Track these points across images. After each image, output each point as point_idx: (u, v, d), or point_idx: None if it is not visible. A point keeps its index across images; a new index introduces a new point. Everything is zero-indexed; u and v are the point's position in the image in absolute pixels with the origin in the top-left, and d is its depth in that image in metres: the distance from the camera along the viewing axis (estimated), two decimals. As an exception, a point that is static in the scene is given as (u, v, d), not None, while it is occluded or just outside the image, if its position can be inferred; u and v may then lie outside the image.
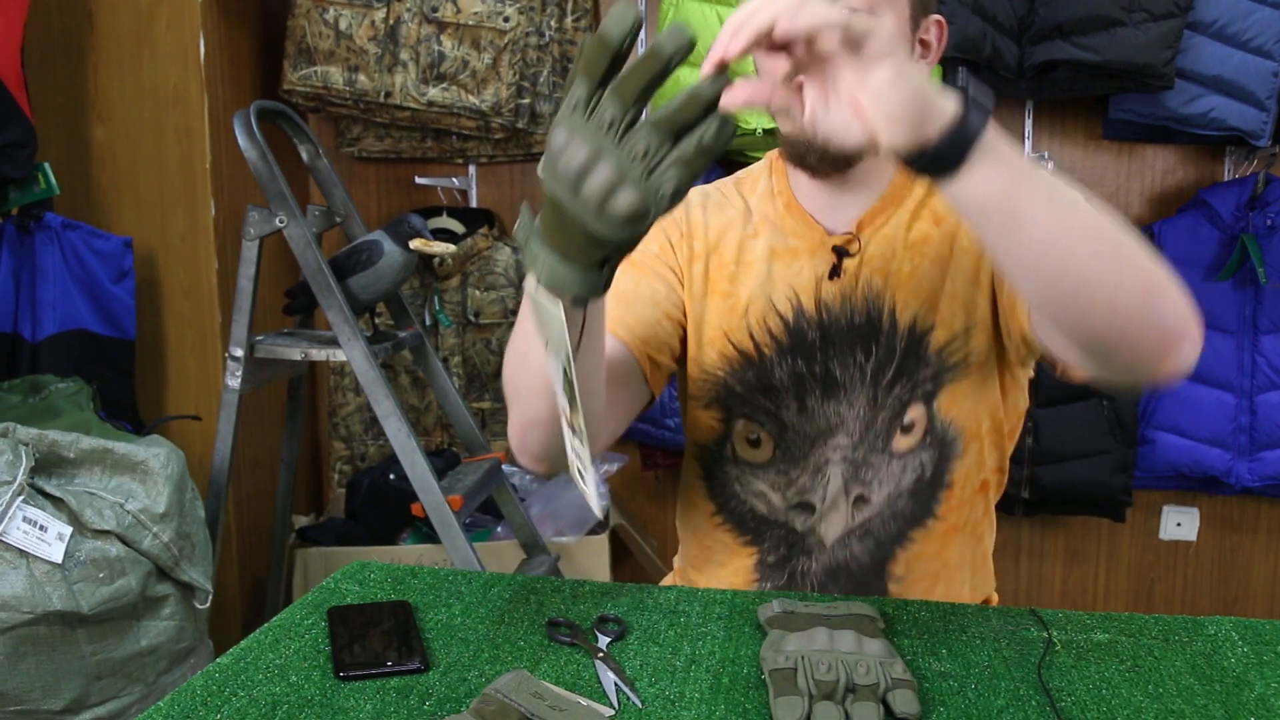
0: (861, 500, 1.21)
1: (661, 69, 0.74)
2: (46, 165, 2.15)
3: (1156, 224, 2.55)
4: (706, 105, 0.75)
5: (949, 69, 2.30)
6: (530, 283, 0.85)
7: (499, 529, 2.56)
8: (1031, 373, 1.26)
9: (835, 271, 1.19)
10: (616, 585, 1.14)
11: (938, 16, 1.16)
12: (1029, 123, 2.66)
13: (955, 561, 1.25)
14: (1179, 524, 2.83)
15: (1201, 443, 2.54)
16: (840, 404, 1.19)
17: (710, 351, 1.23)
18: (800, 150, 1.16)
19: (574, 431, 0.88)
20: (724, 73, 0.77)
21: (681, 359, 1.27)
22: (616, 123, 0.75)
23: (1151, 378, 0.90)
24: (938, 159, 0.78)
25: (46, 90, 2.35)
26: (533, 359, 0.96)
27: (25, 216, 2.18)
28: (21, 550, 1.55)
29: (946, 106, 0.78)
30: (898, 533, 1.22)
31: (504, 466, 2.23)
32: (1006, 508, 2.58)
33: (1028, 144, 2.65)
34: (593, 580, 1.16)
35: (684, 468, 1.35)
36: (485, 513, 2.61)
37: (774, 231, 1.23)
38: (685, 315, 1.25)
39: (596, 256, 0.81)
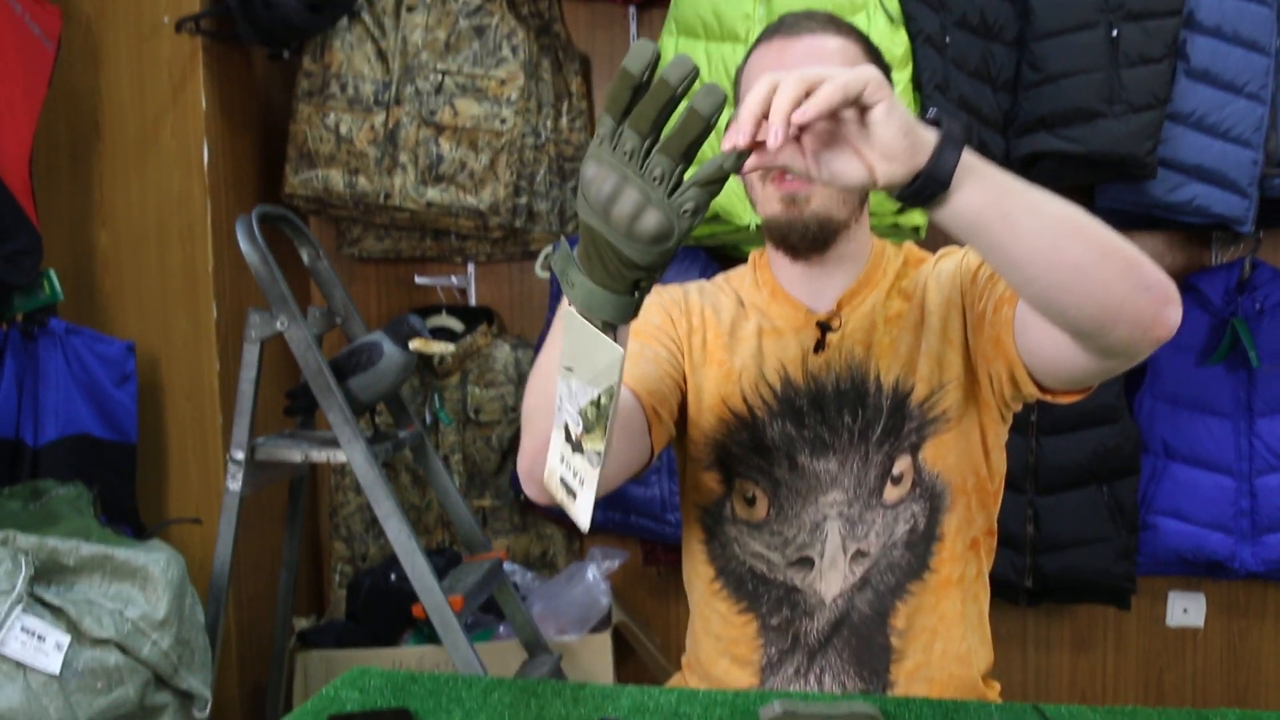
0: (860, 554, 1.28)
1: (669, 98, 0.81)
2: (52, 272, 2.18)
3: (1148, 310, 2.58)
4: (706, 120, 0.81)
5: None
6: (573, 313, 0.91)
7: (501, 628, 2.54)
8: (1006, 433, 1.34)
9: (820, 345, 1.29)
10: (617, 688, 1.13)
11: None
12: (1018, 213, 2.70)
13: (952, 616, 1.30)
14: (1185, 610, 2.81)
15: (1203, 527, 2.53)
16: (830, 462, 1.27)
17: (709, 416, 1.32)
18: (784, 230, 1.26)
19: (580, 452, 0.92)
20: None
21: (681, 425, 1.35)
22: (636, 152, 0.83)
23: (1146, 345, 0.98)
24: (927, 186, 0.88)
25: (53, 197, 2.39)
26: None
27: (29, 322, 2.20)
28: (18, 662, 1.54)
29: (929, 137, 0.88)
30: (896, 585, 1.28)
31: (505, 565, 2.22)
32: (1011, 597, 2.56)
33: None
34: (594, 683, 1.15)
35: (685, 538, 1.41)
36: (487, 612, 2.59)
37: (762, 315, 1.34)
38: (685, 381, 1.34)
39: (629, 279, 0.87)
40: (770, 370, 1.30)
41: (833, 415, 1.28)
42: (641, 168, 0.83)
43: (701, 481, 1.34)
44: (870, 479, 1.27)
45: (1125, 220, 2.59)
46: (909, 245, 1.39)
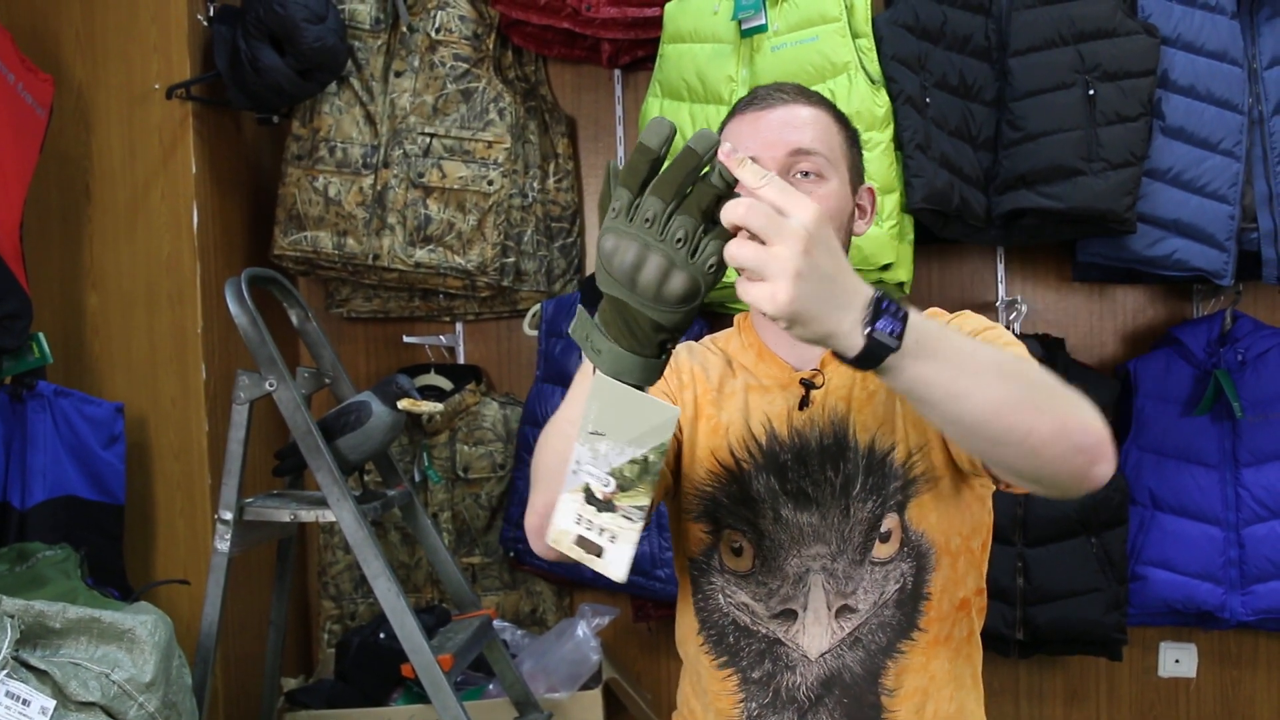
0: (847, 610, 1.28)
1: (695, 166, 0.87)
2: (41, 335, 2.19)
3: (1131, 362, 2.61)
4: (727, 183, 0.86)
5: (921, 221, 2.38)
6: (605, 379, 0.93)
7: (491, 686, 2.53)
8: (991, 492, 1.35)
9: (804, 403, 1.32)
10: (606, 748, 1.13)
11: (868, 185, 1.38)
12: (1001, 268, 2.74)
13: (942, 676, 1.31)
14: (1177, 660, 2.81)
15: (1192, 578, 2.54)
16: (812, 515, 1.29)
17: (699, 469, 1.34)
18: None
19: (612, 510, 0.95)
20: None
21: (674, 479, 1.37)
22: (658, 217, 0.87)
23: (1075, 493, 1.04)
24: (857, 359, 0.91)
25: (43, 260, 2.41)
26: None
27: (18, 385, 2.20)
28: (5, 726, 1.53)
29: (852, 313, 0.90)
30: (887, 644, 1.29)
31: (495, 623, 2.21)
32: (1002, 650, 2.56)
33: (1001, 288, 2.72)
34: (583, 743, 1.15)
35: (679, 594, 1.42)
36: (477, 669, 2.57)
37: (749, 374, 1.37)
38: (681, 433, 1.36)
39: (657, 341, 0.91)
40: (756, 424, 1.33)
41: (815, 469, 1.30)
42: (662, 233, 0.87)
43: (691, 532, 1.36)
44: (855, 535, 1.28)
45: (1106, 274, 2.63)
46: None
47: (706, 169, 0.88)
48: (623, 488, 0.94)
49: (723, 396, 1.36)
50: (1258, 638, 2.78)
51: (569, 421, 1.09)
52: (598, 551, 0.97)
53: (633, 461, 0.93)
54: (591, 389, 0.94)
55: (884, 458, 1.28)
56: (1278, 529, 2.49)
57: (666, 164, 0.89)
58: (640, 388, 0.92)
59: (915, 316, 0.92)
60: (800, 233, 0.86)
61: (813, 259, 0.86)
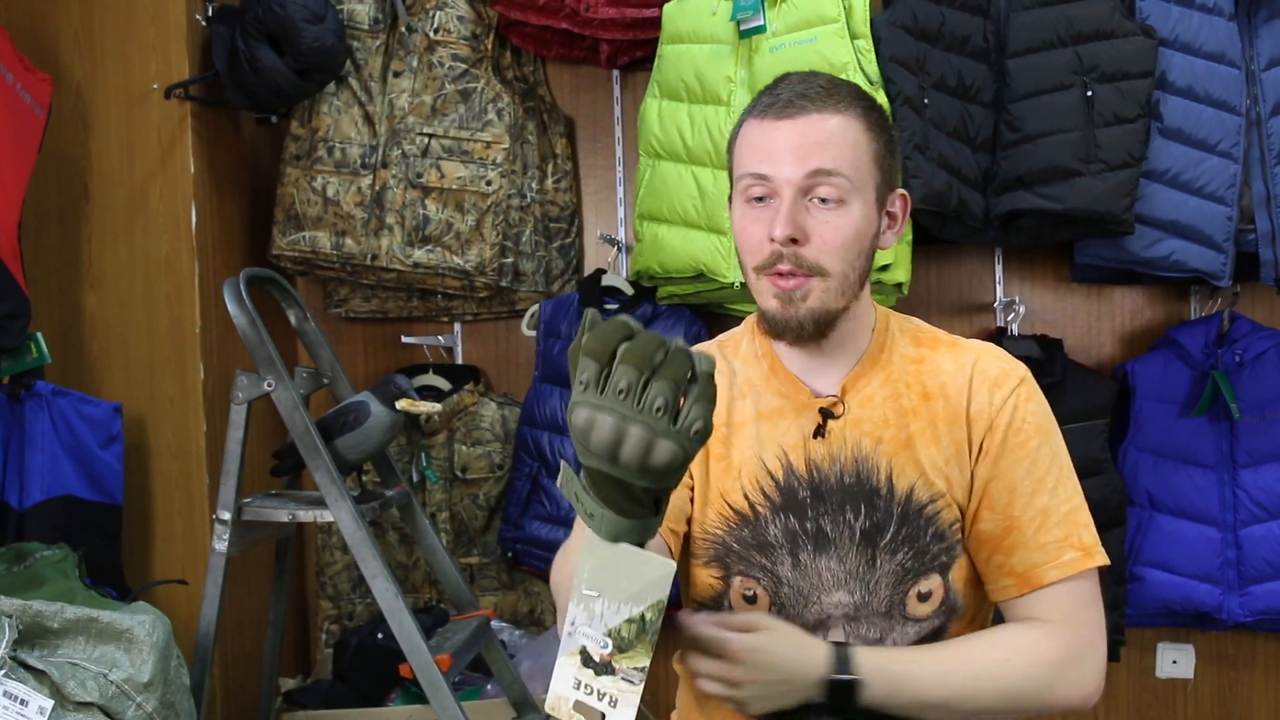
0: None
1: (660, 342, 0.84)
2: (39, 335, 2.19)
3: (1129, 363, 2.61)
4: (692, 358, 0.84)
5: (919, 222, 2.38)
6: (597, 539, 0.90)
7: (489, 686, 2.53)
8: None
9: (820, 431, 1.25)
10: (605, 747, 1.13)
11: (901, 191, 1.29)
12: (999, 269, 2.74)
13: None
14: (1175, 661, 2.81)
15: (1190, 578, 2.54)
16: (831, 559, 1.23)
17: (710, 512, 1.28)
18: (779, 327, 1.24)
19: (611, 673, 0.92)
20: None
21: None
22: (633, 387, 0.82)
23: None
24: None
25: (41, 260, 2.41)
26: None
27: (16, 385, 2.20)
28: (3, 726, 1.53)
29: (812, 689, 1.07)
30: None
31: (493, 623, 2.21)
32: (1000, 650, 2.55)
33: (999, 289, 2.72)
34: (581, 743, 1.15)
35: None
36: (475, 670, 2.57)
37: (759, 394, 1.30)
38: (693, 478, 1.30)
39: (649, 502, 0.87)
40: (770, 457, 1.26)
41: (834, 507, 1.24)
42: (639, 403, 0.82)
43: (698, 577, 1.30)
44: (882, 587, 1.24)
45: (1105, 275, 2.63)
46: (915, 325, 1.36)
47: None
48: (621, 649, 0.90)
49: (732, 430, 1.29)
50: (1255, 639, 2.78)
51: (575, 552, 1.04)
52: (598, 718, 0.94)
53: (630, 621, 0.89)
54: (583, 548, 0.90)
55: (922, 509, 1.23)
56: (1275, 530, 2.49)
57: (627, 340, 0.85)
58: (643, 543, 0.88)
59: (870, 675, 1.09)
60: (754, 679, 1.01)
61: (767, 684, 1.05)
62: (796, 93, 1.22)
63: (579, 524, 1.12)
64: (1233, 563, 2.52)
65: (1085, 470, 2.47)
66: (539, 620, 2.84)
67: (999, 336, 2.61)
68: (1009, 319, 2.62)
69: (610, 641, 0.90)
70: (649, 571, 0.88)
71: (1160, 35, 2.38)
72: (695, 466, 1.29)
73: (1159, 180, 2.39)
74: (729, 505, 1.27)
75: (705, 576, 1.30)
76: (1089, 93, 2.33)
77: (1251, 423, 2.51)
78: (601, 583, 0.89)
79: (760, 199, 1.22)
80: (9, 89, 2.13)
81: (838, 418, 1.25)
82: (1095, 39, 2.36)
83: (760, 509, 1.26)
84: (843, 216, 1.20)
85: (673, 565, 0.87)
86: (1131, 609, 2.57)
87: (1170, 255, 2.40)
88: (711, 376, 0.84)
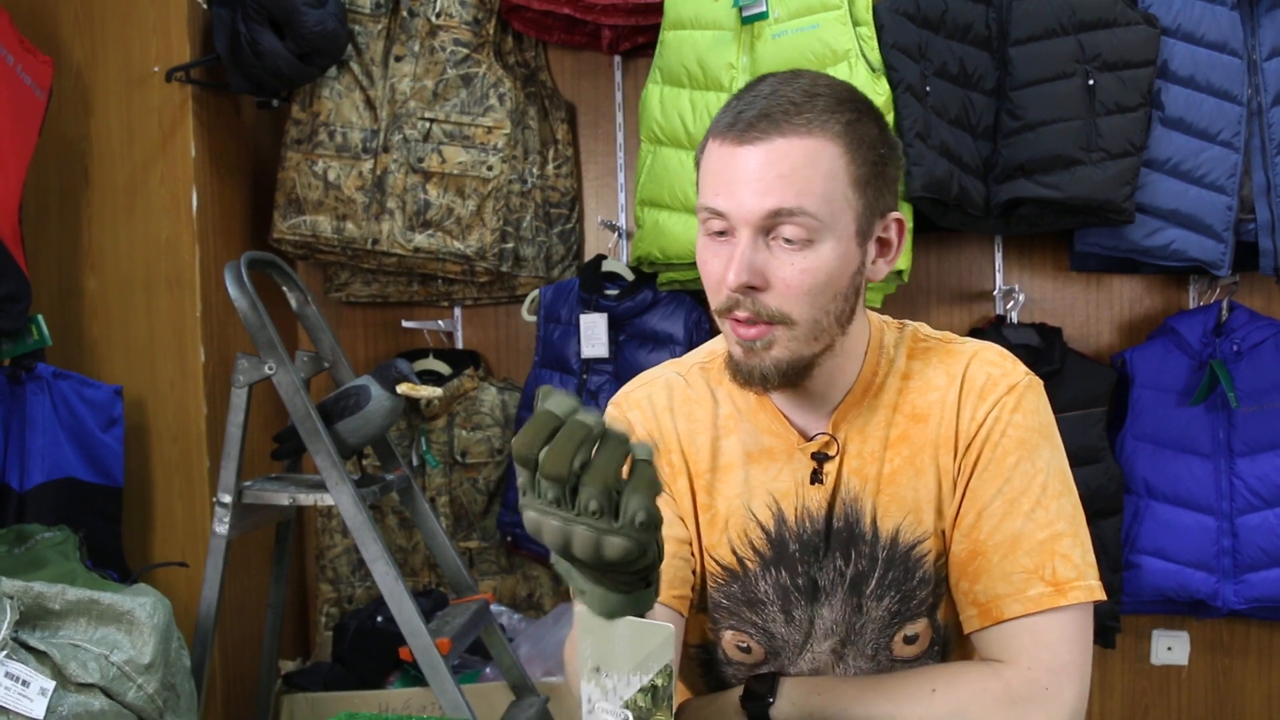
0: None
1: (585, 437, 0.77)
2: (40, 317, 2.19)
3: (1127, 351, 2.61)
4: (624, 443, 0.79)
5: (920, 209, 2.38)
6: (590, 614, 0.87)
7: (488, 670, 2.54)
8: None
9: (816, 477, 1.16)
10: (603, 731, 1.13)
11: (897, 215, 1.13)
12: (999, 257, 2.74)
13: None
14: (1169, 648, 2.82)
15: (1185, 566, 2.55)
16: (823, 607, 1.18)
17: (696, 564, 1.22)
18: (744, 376, 1.11)
19: None
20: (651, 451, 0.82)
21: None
22: (561, 498, 0.78)
23: None
24: None
25: (42, 242, 2.41)
26: None
27: (17, 367, 2.21)
28: (2, 707, 1.54)
29: None
30: None
31: (492, 607, 2.22)
32: (996, 637, 2.57)
33: (999, 277, 2.73)
34: (580, 726, 1.16)
35: (682, 666, 1.30)
36: (474, 653, 2.58)
37: (747, 431, 1.19)
38: (687, 525, 1.22)
39: (636, 578, 0.84)
40: (760, 506, 1.17)
41: (824, 557, 1.17)
42: (574, 509, 0.78)
43: (690, 624, 1.23)
44: (868, 631, 1.18)
45: (1104, 264, 2.63)
46: (914, 329, 1.23)
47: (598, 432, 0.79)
48: (641, 719, 0.88)
49: (717, 475, 1.19)
50: (1249, 626, 2.79)
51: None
52: None
53: (643, 690, 0.87)
54: (580, 626, 0.86)
55: (908, 551, 1.15)
56: (1271, 518, 2.50)
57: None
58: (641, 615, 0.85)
59: (786, 689, 1.09)
60: None
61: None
62: (761, 111, 1.05)
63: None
64: (1228, 551, 2.53)
65: (1083, 458, 2.49)
66: (538, 604, 2.85)
67: (998, 324, 2.62)
68: (1008, 307, 2.62)
69: (629, 714, 0.88)
70: (650, 638, 0.85)
71: (1162, 24, 2.38)
72: (687, 519, 1.20)
73: (1160, 169, 2.40)
74: (716, 561, 1.19)
75: (696, 623, 1.24)
76: (1090, 81, 2.33)
77: (1249, 412, 2.52)
78: (604, 657, 0.87)
79: (721, 233, 1.08)
80: (9, 71, 2.13)
81: (832, 458, 1.16)
82: (1097, 27, 2.36)
83: (750, 564, 1.18)
84: (809, 259, 1.05)
85: (671, 629, 0.83)
86: (1127, 596, 2.59)
87: (1170, 244, 2.41)
88: (649, 464, 0.79)
